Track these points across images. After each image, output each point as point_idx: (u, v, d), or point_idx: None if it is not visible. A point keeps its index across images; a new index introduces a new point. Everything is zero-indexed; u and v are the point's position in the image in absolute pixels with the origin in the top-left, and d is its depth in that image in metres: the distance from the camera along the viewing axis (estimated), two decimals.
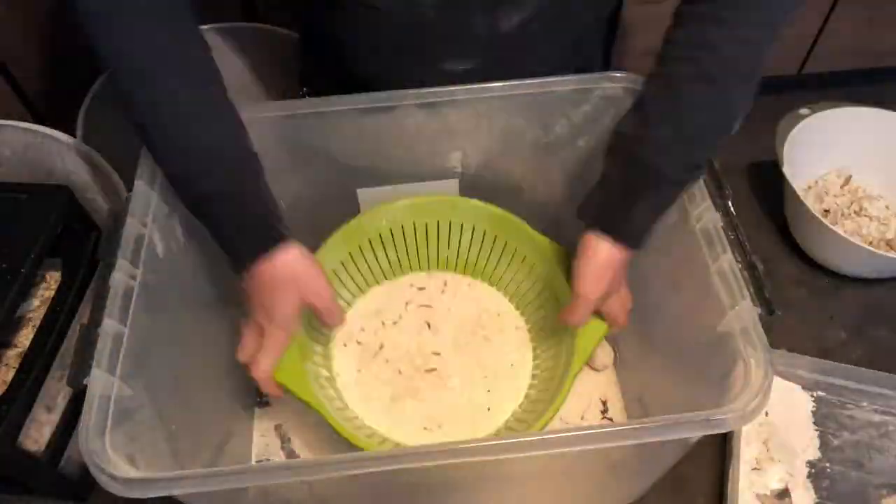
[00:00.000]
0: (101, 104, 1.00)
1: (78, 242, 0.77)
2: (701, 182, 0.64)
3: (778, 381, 0.80)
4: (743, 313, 0.56)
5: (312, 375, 0.73)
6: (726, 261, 0.59)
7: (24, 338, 0.75)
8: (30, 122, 0.84)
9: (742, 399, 0.51)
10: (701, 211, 0.62)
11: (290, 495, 0.61)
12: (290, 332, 0.66)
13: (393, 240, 0.83)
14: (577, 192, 0.83)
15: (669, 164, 0.62)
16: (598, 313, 0.71)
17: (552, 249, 0.78)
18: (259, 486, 0.57)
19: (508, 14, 0.73)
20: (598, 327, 0.71)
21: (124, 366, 0.55)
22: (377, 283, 0.85)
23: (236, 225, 0.63)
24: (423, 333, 0.82)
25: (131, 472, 0.50)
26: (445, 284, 0.86)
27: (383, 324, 0.83)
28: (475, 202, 0.80)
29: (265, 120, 0.71)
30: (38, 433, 0.71)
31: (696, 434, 0.51)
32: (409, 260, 0.85)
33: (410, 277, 0.86)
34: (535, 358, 0.80)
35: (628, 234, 0.66)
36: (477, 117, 0.74)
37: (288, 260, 0.64)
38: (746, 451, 0.75)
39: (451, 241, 0.84)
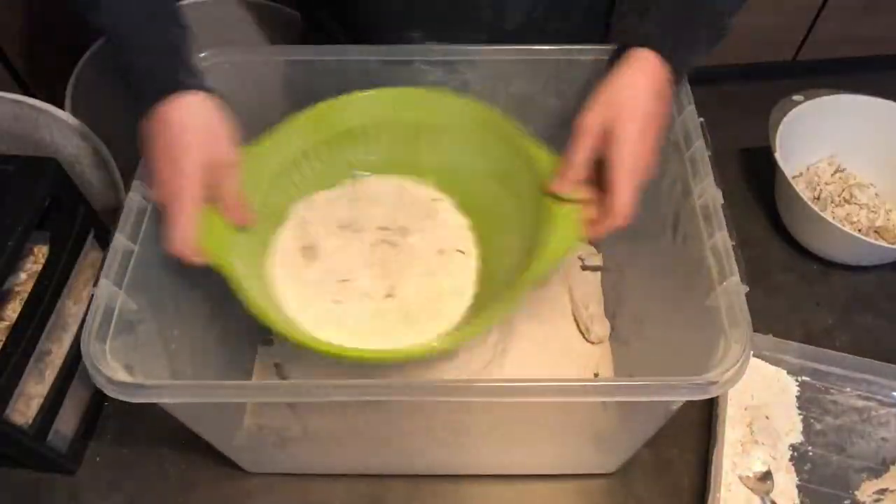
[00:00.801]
0: (90, 77, 0.99)
1: (66, 215, 0.77)
2: (706, 158, 0.65)
3: (764, 366, 0.81)
4: (730, 289, 0.57)
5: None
6: (721, 237, 0.59)
7: (12, 311, 0.75)
8: (18, 93, 0.83)
9: (715, 371, 0.52)
10: (703, 186, 0.63)
11: (282, 426, 0.66)
12: (201, 186, 0.60)
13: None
14: None
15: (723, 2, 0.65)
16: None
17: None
18: (252, 420, 0.63)
19: (515, 5, 0.75)
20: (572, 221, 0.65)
21: (131, 280, 0.58)
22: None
23: (148, 60, 0.61)
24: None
25: (127, 378, 0.53)
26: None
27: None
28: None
29: (280, 63, 0.73)
30: (25, 406, 0.72)
31: (657, 398, 0.53)
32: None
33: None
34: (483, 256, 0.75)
35: (681, 55, 0.63)
36: (493, 79, 0.75)
37: (203, 104, 0.61)
38: (731, 434, 0.76)
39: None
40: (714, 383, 0.52)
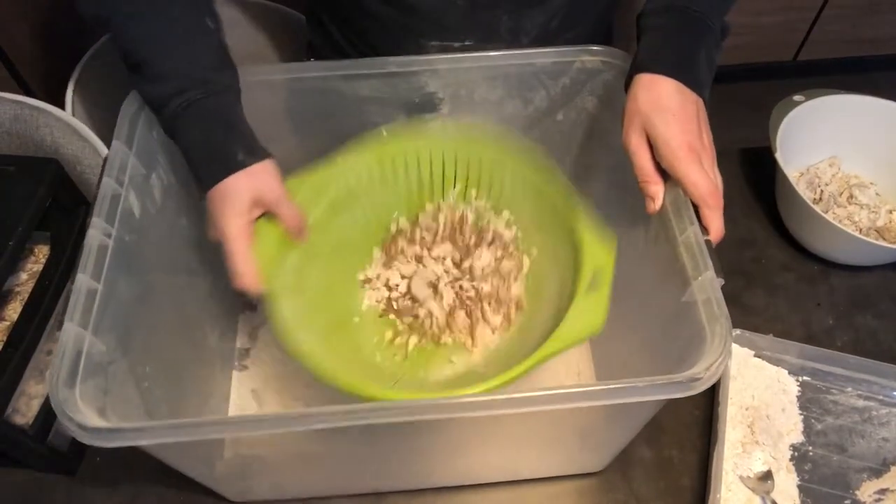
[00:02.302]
0: (90, 77, 1.00)
1: (66, 216, 0.77)
2: None
3: (764, 366, 0.82)
4: (706, 283, 0.57)
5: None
6: (693, 232, 0.60)
7: (13, 311, 0.76)
8: (19, 94, 0.83)
9: (697, 367, 0.53)
10: (672, 182, 0.64)
11: (265, 453, 0.64)
12: (250, 223, 0.65)
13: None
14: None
15: (713, 15, 0.65)
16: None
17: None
18: (234, 450, 0.60)
19: (533, 15, 0.76)
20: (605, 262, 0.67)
21: (97, 321, 0.56)
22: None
23: (207, 148, 0.65)
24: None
25: (101, 423, 0.51)
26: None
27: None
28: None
29: (263, 83, 0.73)
30: (26, 406, 0.72)
31: (642, 398, 0.53)
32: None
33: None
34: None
35: (695, 77, 0.63)
36: (456, 86, 0.75)
37: (250, 171, 0.64)
38: (731, 434, 0.76)
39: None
40: (697, 379, 0.52)
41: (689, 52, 0.64)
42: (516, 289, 0.78)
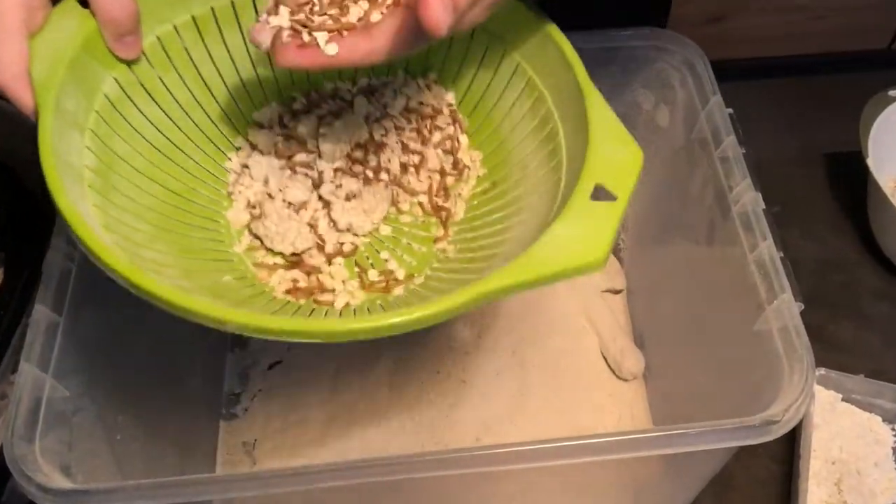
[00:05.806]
0: None
1: (24, 233, 0.78)
2: (741, 156, 0.66)
3: (854, 412, 0.82)
4: (783, 309, 0.57)
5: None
6: (766, 248, 0.60)
7: None
8: None
9: (774, 408, 0.53)
10: (740, 190, 0.64)
11: None
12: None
13: None
14: None
15: None
16: None
17: None
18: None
19: None
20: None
21: (59, 361, 0.56)
22: None
23: None
24: None
25: (65, 484, 0.51)
26: None
27: None
28: None
29: None
30: None
31: (707, 446, 0.53)
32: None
33: None
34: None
35: None
36: None
37: None
38: (815, 493, 0.76)
39: None
40: (773, 423, 0.52)
41: None
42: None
